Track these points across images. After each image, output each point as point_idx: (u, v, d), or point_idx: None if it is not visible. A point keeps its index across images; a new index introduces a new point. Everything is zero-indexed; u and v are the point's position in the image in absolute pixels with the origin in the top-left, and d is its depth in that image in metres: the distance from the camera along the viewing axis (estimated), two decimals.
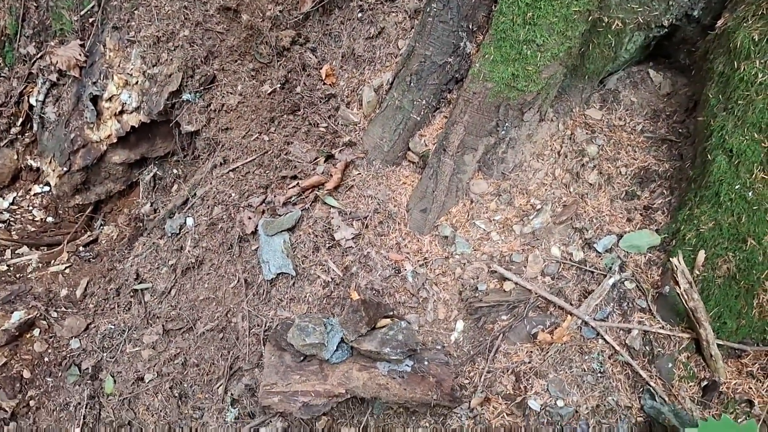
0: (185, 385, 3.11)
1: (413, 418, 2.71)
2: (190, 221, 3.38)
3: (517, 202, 3.02)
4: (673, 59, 3.25)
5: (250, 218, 3.19)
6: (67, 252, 4.03)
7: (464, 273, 2.96)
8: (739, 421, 2.27)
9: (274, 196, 3.24)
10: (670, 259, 2.41)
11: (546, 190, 3.01)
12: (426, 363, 2.71)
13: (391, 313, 2.90)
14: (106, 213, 4.33)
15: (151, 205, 4.11)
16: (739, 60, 2.48)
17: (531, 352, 2.74)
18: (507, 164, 3.10)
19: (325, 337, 2.73)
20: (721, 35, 2.65)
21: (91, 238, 4.15)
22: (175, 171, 4.14)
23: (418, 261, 3.08)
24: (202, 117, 3.53)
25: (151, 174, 4.17)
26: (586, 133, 3.08)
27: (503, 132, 3.00)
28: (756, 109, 2.42)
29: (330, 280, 3.04)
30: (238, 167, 3.40)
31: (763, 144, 2.40)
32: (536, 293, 2.78)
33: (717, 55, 2.64)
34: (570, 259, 2.86)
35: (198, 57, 3.54)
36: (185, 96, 3.54)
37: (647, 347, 2.53)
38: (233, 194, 3.35)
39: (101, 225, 4.28)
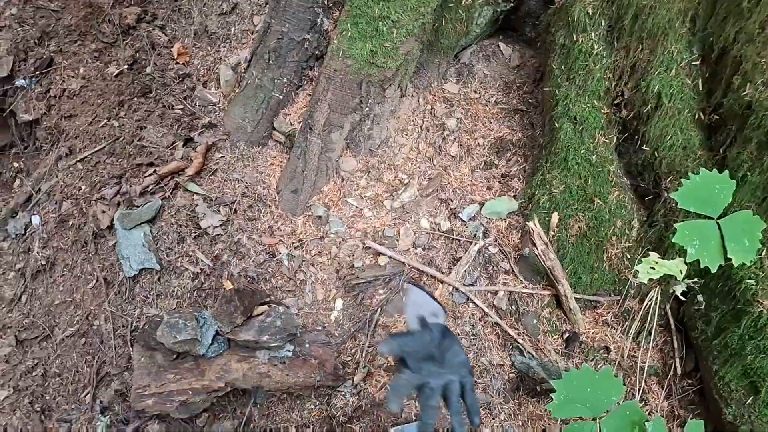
0: (47, 398, 2.87)
1: (298, 402, 2.72)
2: (36, 219, 3.06)
3: (385, 178, 3.07)
4: (520, 32, 3.44)
5: (104, 212, 2.96)
6: None
7: (340, 251, 2.97)
8: (597, 367, 2.52)
9: (130, 186, 3.02)
10: (527, 222, 2.58)
11: (412, 164, 3.09)
12: (307, 346, 2.71)
13: (268, 300, 2.84)
14: None
15: None
16: (577, 32, 2.67)
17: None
18: (374, 141, 3.13)
19: (198, 332, 2.63)
20: (560, 9, 2.83)
21: None
22: (15, 165, 3.71)
23: (293, 243, 3.05)
24: (41, 104, 3.18)
25: None
26: (446, 107, 3.18)
27: (367, 109, 3.02)
28: (594, 79, 2.63)
29: (199, 271, 2.92)
30: (86, 157, 3.12)
31: (602, 111, 2.62)
32: (409, 265, 2.86)
33: (558, 28, 2.82)
34: (438, 229, 2.97)
35: (30, 38, 3.17)
36: (19, 82, 3.16)
37: (513, 307, 2.71)
38: (83, 187, 3.08)
39: None
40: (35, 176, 3.20)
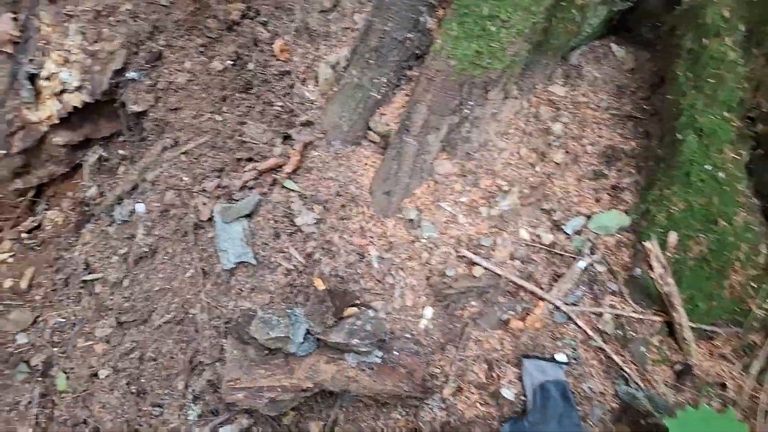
0: (143, 381, 2.99)
1: (384, 410, 2.67)
2: (140, 207, 3.19)
3: (483, 183, 2.95)
4: (636, 33, 3.20)
5: (204, 204, 3.03)
6: (9, 240, 3.77)
7: (432, 258, 2.89)
8: (711, 404, 2.31)
9: (230, 180, 3.08)
10: (643, 243, 2.39)
11: (512, 170, 2.95)
12: (396, 353, 2.65)
13: (358, 302, 2.82)
14: (49, 197, 4.06)
15: (98, 188, 3.86)
16: (708, 36, 2.44)
17: (502, 339, 2.72)
18: (472, 144, 3.02)
19: (290, 330, 2.64)
20: (688, 10, 2.60)
21: (35, 224, 3.89)
22: (121, 152, 3.90)
23: (383, 245, 3.00)
24: (149, 96, 3.30)
25: (96, 156, 3.91)
26: (551, 111, 3.01)
27: (467, 111, 2.91)
28: (726, 88, 2.39)
29: (292, 267, 2.93)
30: (189, 149, 3.21)
31: (733, 123, 2.38)
32: (506, 278, 2.74)
33: (685, 31, 2.59)
34: (539, 241, 2.82)
35: (142, 32, 3.29)
36: (130, 74, 3.30)
37: (620, 331, 2.53)
38: (186, 178, 3.17)
39: (44, 209, 4.02)
40: (141, 165, 3.33)
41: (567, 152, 2.95)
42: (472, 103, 2.88)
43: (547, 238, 2.82)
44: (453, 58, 2.76)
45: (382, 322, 2.71)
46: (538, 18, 2.68)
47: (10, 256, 3.66)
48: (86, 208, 3.78)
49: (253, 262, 2.90)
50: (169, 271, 3.07)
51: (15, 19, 3.62)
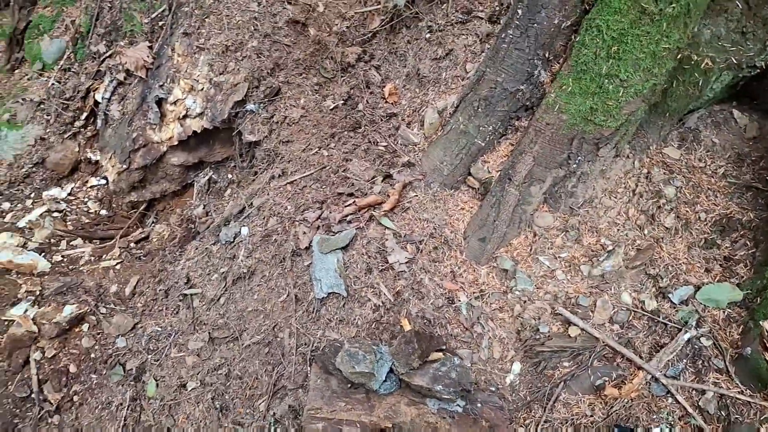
0: (227, 398, 3.07)
1: None
2: (245, 230, 3.35)
3: (585, 241, 2.88)
4: (761, 101, 3.06)
5: (305, 233, 3.14)
6: (119, 248, 4.07)
7: (524, 311, 2.83)
8: None
9: (330, 213, 3.18)
10: (759, 323, 2.23)
11: (618, 230, 2.86)
12: (479, 405, 2.59)
13: (444, 348, 2.79)
14: (159, 211, 4.37)
15: (204, 208, 4.12)
16: None
17: (593, 404, 2.59)
18: (576, 199, 2.97)
19: (374, 367, 2.65)
20: None
21: (143, 236, 4.19)
22: (230, 176, 4.15)
23: (474, 293, 2.97)
24: (264, 128, 3.51)
25: (207, 177, 4.18)
26: (664, 173, 2.91)
27: (575, 165, 2.87)
28: None
29: (381, 304, 2.96)
30: (295, 180, 3.36)
31: None
32: (604, 342, 2.63)
33: None
34: (641, 307, 2.70)
35: (264, 68, 3.53)
36: (249, 106, 3.53)
37: (723, 412, 2.35)
38: (289, 207, 3.31)
39: (153, 223, 4.32)
40: (249, 191, 3.52)
41: (678, 217, 2.83)
42: (580, 158, 2.84)
43: (651, 304, 2.69)
44: (565, 113, 2.75)
45: (467, 372, 2.66)
46: (658, 80, 2.63)
47: (118, 263, 3.93)
48: (192, 226, 4.02)
49: (344, 293, 2.95)
50: (264, 293, 3.18)
51: (150, 47, 4.00)
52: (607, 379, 2.62)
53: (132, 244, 4.08)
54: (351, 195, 3.22)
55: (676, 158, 2.95)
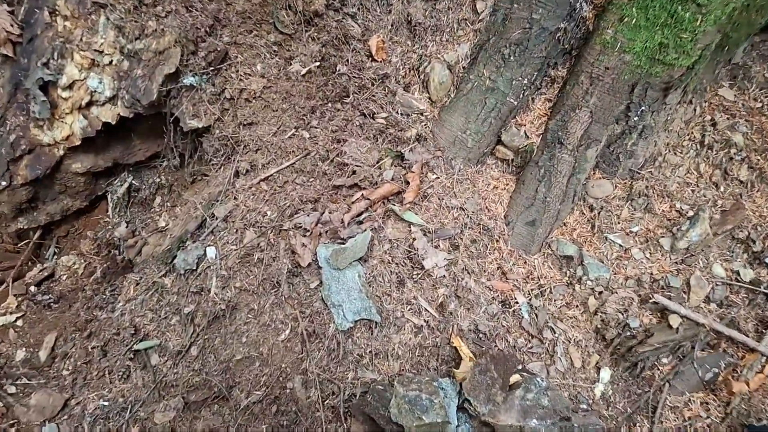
0: None
1: None
2: (211, 252, 2.46)
3: (657, 208, 2.37)
4: None
5: (304, 245, 2.33)
6: (14, 295, 2.94)
7: (604, 305, 2.27)
8: None
9: (331, 213, 2.39)
10: None
11: (693, 191, 2.38)
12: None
13: (520, 367, 2.17)
14: (61, 238, 3.26)
15: (127, 226, 3.10)
16: None
17: (706, 403, 2.12)
18: (636, 159, 2.44)
19: (446, 412, 1.97)
20: None
21: (46, 274, 3.08)
22: (157, 180, 3.16)
23: (532, 290, 2.37)
24: (214, 108, 2.59)
25: (125, 185, 3.15)
26: (727, 119, 2.47)
27: (636, 118, 2.33)
28: None
29: (423, 323, 2.27)
30: (271, 175, 2.51)
31: None
32: (709, 327, 2.14)
33: None
34: (737, 279, 2.25)
35: (201, 26, 2.58)
36: (187, 79, 2.57)
37: None
38: (270, 212, 2.46)
39: (55, 255, 3.21)
40: (206, 197, 2.60)
41: (751, 168, 2.40)
42: (644, 108, 2.30)
43: (747, 274, 2.25)
44: (629, 52, 2.19)
45: (560, 394, 2.07)
46: (738, 3, 2.14)
47: (19, 318, 2.84)
48: (116, 252, 3.00)
49: (377, 318, 2.21)
50: (256, 333, 2.34)
51: (12, 12, 2.84)
52: (717, 370, 2.16)
53: (32, 288, 2.97)
54: (356, 187, 2.44)
55: (732, 100, 2.51)
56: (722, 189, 2.36)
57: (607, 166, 2.47)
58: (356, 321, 2.21)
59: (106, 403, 2.43)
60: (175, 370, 2.41)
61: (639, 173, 2.42)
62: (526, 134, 2.49)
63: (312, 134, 2.54)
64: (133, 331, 2.49)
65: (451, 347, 2.25)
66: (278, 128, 2.55)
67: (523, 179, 2.48)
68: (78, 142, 2.83)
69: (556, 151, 2.36)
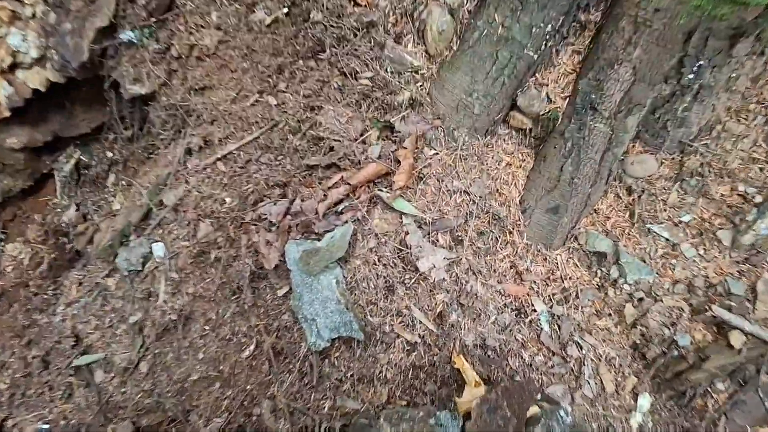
0: None
1: None
2: (159, 249, 2.01)
3: (715, 191, 1.87)
4: None
5: (269, 242, 1.88)
6: None
7: (646, 316, 1.81)
8: None
9: (303, 201, 1.92)
10: None
11: (761, 169, 1.86)
12: None
13: (539, 395, 1.73)
14: (6, 222, 2.83)
15: (78, 209, 2.67)
16: None
17: None
18: (689, 128, 1.92)
19: None
20: None
21: None
22: (109, 155, 2.70)
23: (554, 294, 1.91)
24: (159, 69, 2.09)
25: (73, 161, 2.70)
26: None
27: (691, 76, 1.80)
28: None
29: (418, 339, 1.83)
30: (230, 153, 2.03)
31: None
32: None
33: None
34: None
35: None
36: (125, 34, 2.07)
37: None
38: (229, 199, 2.00)
39: (0, 241, 2.79)
40: (153, 180, 2.14)
41: None
42: (702, 62, 1.76)
43: None
44: None
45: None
46: None
47: None
48: (65, 240, 2.58)
49: (360, 336, 1.77)
50: (215, 349, 1.93)
51: None
52: None
53: None
54: (334, 167, 1.96)
55: None
56: None
57: (650, 138, 1.96)
58: (334, 339, 1.78)
59: (45, 427, 2.05)
60: (122, 390, 2.02)
61: (691, 146, 1.90)
62: (548, 97, 1.97)
63: (280, 100, 2.04)
64: (74, 341, 2.09)
65: (452, 367, 1.82)
66: (238, 93, 2.05)
67: (545, 155, 1.97)
68: (7, 114, 2.36)
69: (587, 119, 1.84)
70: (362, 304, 1.83)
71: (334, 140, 1.96)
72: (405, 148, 1.93)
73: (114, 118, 2.38)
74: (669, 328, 1.76)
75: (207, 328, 1.94)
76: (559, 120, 1.95)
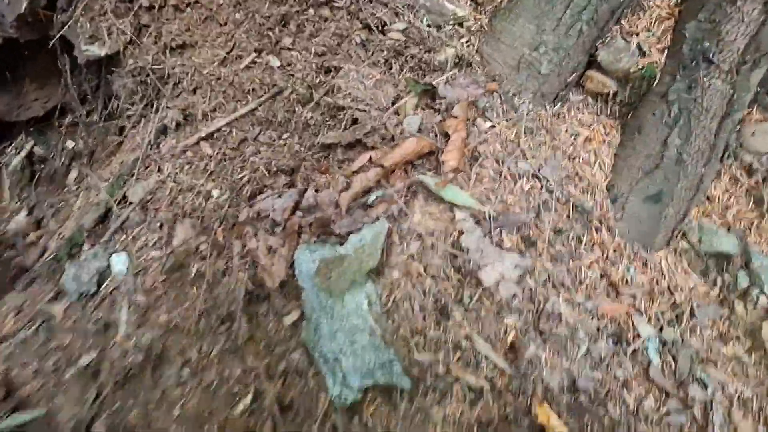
0: None
1: None
2: (120, 262, 1.47)
3: None
4: None
5: (272, 250, 1.35)
6: None
7: None
8: None
9: (318, 192, 1.40)
10: None
11: None
12: None
13: None
14: None
15: (29, 213, 2.15)
16: None
17: None
18: None
19: None
20: None
21: None
22: (70, 144, 2.18)
23: (663, 312, 1.40)
24: (124, 23, 1.57)
25: (24, 154, 2.18)
26: None
27: None
28: None
29: (484, 384, 1.30)
30: (219, 131, 1.51)
31: None
32: None
33: None
34: None
35: None
36: None
37: None
38: (215, 192, 1.48)
39: None
40: (114, 170, 1.61)
41: None
42: None
43: None
44: None
45: None
46: None
47: None
48: (12, 253, 2.05)
49: (405, 383, 1.24)
50: (197, 402, 1.38)
51: None
52: None
53: None
54: (359, 145, 1.45)
55: None
56: None
57: None
58: (367, 388, 1.24)
59: None
60: None
61: None
62: (640, 48, 1.48)
63: (284, 60, 1.53)
64: (5, 393, 1.53)
65: (533, 422, 1.29)
66: (229, 53, 1.55)
67: (639, 125, 1.48)
68: None
69: (699, 74, 1.35)
70: (405, 335, 1.30)
71: (358, 110, 1.45)
72: (455, 117, 1.43)
73: (71, 94, 1.86)
74: None
75: (186, 372, 1.40)
76: (658, 78, 1.46)
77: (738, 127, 1.49)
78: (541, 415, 1.28)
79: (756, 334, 1.37)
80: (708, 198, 1.49)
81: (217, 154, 1.50)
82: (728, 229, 1.44)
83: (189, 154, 1.51)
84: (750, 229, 1.43)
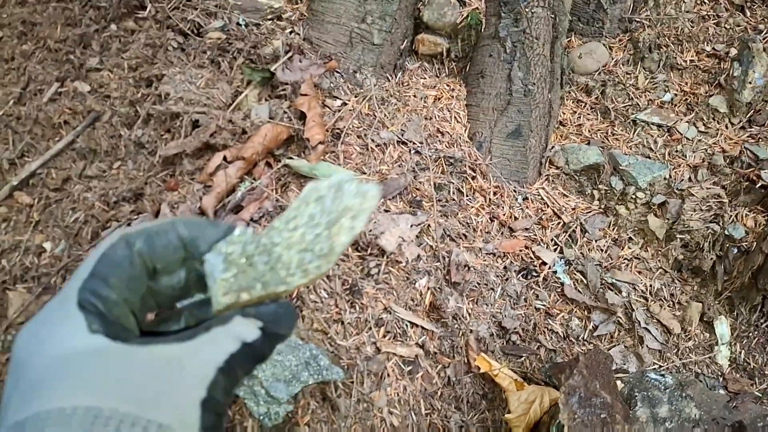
0: None
1: None
2: None
3: (681, 60, 1.55)
4: None
5: None
6: None
7: (678, 221, 1.38)
8: None
9: (175, 207, 1.21)
10: None
11: (717, 24, 1.59)
12: None
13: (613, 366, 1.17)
14: None
15: None
16: None
17: None
18: (623, 2, 1.60)
19: None
20: None
21: None
22: None
23: (557, 236, 1.41)
24: None
25: None
26: None
27: None
28: None
29: (417, 350, 1.19)
30: (33, 175, 1.26)
31: None
32: None
33: None
34: None
35: None
36: None
37: None
38: (47, 245, 1.21)
39: None
40: None
41: None
42: None
43: None
44: None
45: (714, 393, 1.12)
46: None
47: None
48: None
49: (337, 375, 1.07)
50: None
51: None
52: None
53: None
54: (206, 149, 1.28)
55: None
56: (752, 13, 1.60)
57: (585, 26, 1.61)
58: (296, 393, 1.05)
59: None
60: None
61: (633, 21, 1.58)
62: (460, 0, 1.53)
63: (95, 83, 1.33)
64: None
65: (475, 376, 1.19)
66: (24, 89, 1.31)
67: (481, 70, 1.51)
68: None
69: (521, 6, 1.42)
70: (322, 327, 1.14)
71: (196, 112, 1.29)
72: (305, 95, 1.33)
73: None
74: (713, 224, 1.34)
75: None
76: (484, 23, 1.52)
77: (567, 53, 1.60)
78: (482, 365, 1.18)
79: (645, 229, 1.43)
80: (561, 123, 1.56)
81: (38, 201, 1.24)
82: (588, 143, 1.51)
83: (3, 209, 1.23)
84: (607, 138, 1.52)
